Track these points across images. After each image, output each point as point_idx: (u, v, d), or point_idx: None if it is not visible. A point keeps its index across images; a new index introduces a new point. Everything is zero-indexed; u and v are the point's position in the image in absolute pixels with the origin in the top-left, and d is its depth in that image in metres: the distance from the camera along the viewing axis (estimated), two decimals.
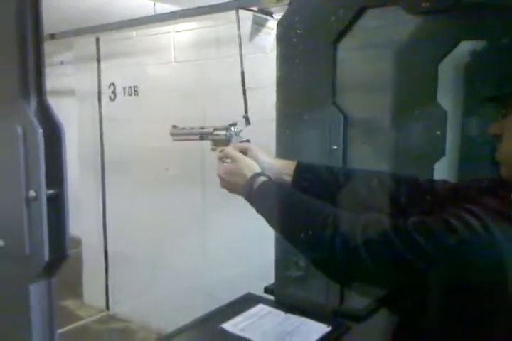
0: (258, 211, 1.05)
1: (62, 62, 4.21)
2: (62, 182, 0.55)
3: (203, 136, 1.30)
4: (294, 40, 1.34)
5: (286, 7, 1.41)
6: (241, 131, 1.26)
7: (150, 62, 3.13)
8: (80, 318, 3.52)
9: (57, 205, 0.55)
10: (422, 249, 0.82)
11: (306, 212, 0.98)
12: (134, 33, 3.15)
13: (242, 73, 2.26)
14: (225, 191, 1.17)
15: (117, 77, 3.32)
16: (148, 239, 3.18)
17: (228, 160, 1.15)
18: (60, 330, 0.60)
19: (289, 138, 1.39)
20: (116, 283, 3.57)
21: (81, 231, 3.64)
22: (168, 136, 1.37)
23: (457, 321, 0.89)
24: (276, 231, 1.12)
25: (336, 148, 1.33)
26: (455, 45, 1.36)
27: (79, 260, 3.73)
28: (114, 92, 3.34)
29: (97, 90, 3.45)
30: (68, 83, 3.73)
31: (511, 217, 0.81)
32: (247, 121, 1.30)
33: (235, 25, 2.25)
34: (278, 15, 2.22)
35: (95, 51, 3.41)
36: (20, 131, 0.53)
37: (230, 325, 1.22)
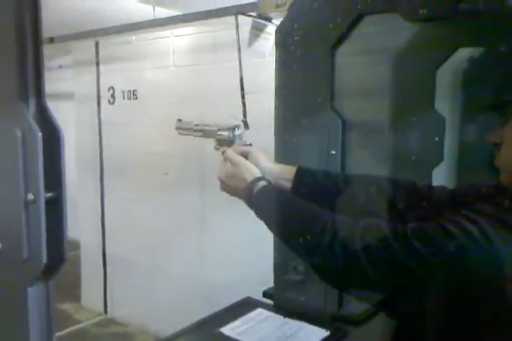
0: (257, 215, 1.05)
1: (61, 66, 4.20)
2: (60, 186, 0.56)
3: (206, 134, 1.30)
4: (293, 46, 1.34)
5: (284, 13, 1.41)
6: (242, 133, 1.26)
7: (149, 67, 3.13)
8: (78, 322, 3.49)
9: (55, 208, 0.55)
10: (420, 255, 0.82)
11: (305, 217, 0.98)
12: (134, 37, 3.16)
13: (241, 78, 2.27)
14: (224, 194, 1.18)
15: (116, 80, 3.32)
16: (147, 243, 3.18)
17: (229, 164, 1.15)
18: (58, 334, 0.60)
19: (287, 143, 1.39)
20: (115, 286, 3.55)
21: (79, 234, 3.63)
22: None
23: (455, 327, 0.89)
24: (275, 236, 1.12)
25: (334, 153, 1.33)
26: (453, 51, 1.37)
27: (77, 263, 3.71)
28: (113, 96, 3.34)
29: (96, 94, 3.45)
30: (67, 87, 3.72)
31: (509, 223, 0.81)
32: (246, 126, 1.30)
33: (234, 30, 2.26)
34: (277, 21, 2.23)
35: (94, 55, 3.41)
36: (19, 134, 0.53)
37: (228, 329, 1.22)
